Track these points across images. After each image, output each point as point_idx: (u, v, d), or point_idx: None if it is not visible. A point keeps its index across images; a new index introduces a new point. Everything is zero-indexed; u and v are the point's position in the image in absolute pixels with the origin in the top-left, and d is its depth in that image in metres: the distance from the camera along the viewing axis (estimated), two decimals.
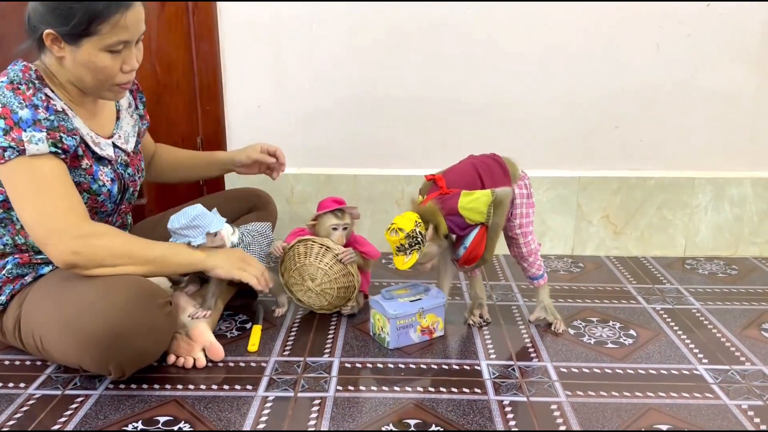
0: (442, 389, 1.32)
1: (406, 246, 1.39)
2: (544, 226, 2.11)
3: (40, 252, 1.38)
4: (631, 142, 2.07)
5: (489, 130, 2.05)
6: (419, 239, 1.39)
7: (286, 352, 1.47)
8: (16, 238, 1.37)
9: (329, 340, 1.53)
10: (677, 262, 2.09)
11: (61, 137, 1.27)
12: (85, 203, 1.36)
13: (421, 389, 1.32)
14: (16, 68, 1.29)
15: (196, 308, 1.49)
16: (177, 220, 1.43)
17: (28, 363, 1.42)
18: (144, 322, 1.25)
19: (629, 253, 2.14)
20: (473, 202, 1.43)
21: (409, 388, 1.32)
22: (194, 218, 1.42)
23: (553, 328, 1.59)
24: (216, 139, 2.07)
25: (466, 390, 1.32)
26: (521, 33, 1.97)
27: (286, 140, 2.07)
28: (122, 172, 1.45)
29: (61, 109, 1.30)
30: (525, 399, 1.28)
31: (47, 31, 1.25)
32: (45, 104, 1.27)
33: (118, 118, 1.49)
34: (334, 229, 1.62)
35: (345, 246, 1.63)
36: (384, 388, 1.33)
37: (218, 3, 1.96)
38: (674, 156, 2.08)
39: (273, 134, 2.06)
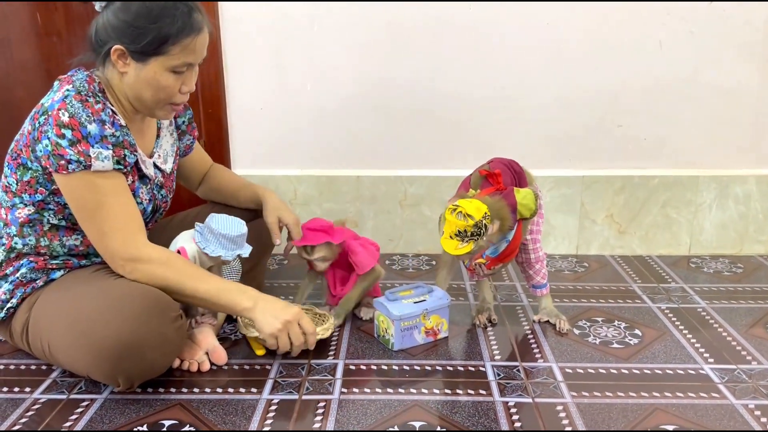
0: (447, 391, 1.32)
1: (468, 234, 1.34)
2: (548, 226, 2.10)
3: (56, 257, 1.38)
4: (634, 141, 2.06)
5: (492, 130, 2.04)
6: (482, 231, 1.34)
7: (290, 355, 1.47)
8: (41, 239, 1.37)
9: (333, 343, 1.53)
10: (682, 260, 2.08)
11: (124, 154, 1.30)
12: None
13: (425, 391, 1.32)
14: (81, 78, 1.30)
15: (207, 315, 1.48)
16: (224, 225, 1.44)
17: (33, 367, 1.42)
18: (156, 334, 1.24)
19: (634, 252, 2.13)
20: (525, 198, 1.41)
21: (413, 390, 1.32)
22: (239, 236, 1.45)
23: (557, 328, 1.58)
24: (218, 142, 2.06)
25: (471, 391, 1.31)
26: (524, 32, 1.96)
27: (289, 142, 2.08)
28: (156, 192, 1.47)
29: (124, 124, 1.32)
30: (530, 400, 1.28)
31: (116, 46, 1.26)
32: (111, 120, 1.28)
33: (158, 136, 1.50)
34: (308, 261, 1.60)
35: (338, 256, 1.60)
36: (389, 390, 1.32)
37: (219, 3, 1.95)
38: (678, 154, 2.08)
39: (275, 136, 2.06)
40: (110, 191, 1.29)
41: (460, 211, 1.33)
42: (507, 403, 1.27)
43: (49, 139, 1.23)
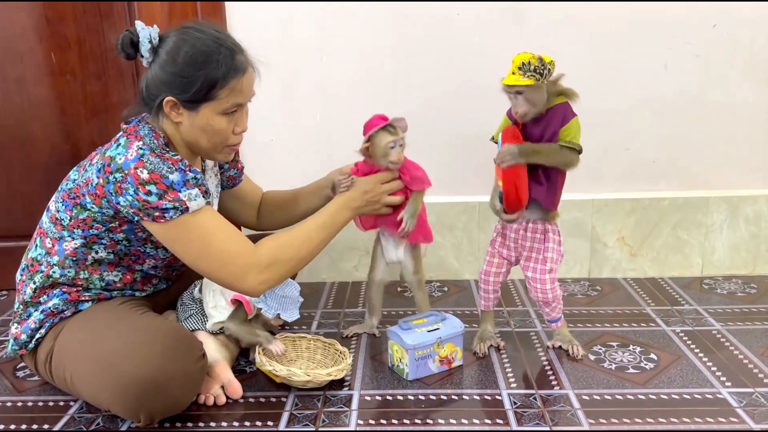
0: (464, 421, 1.31)
1: (531, 68, 1.37)
2: None
3: (89, 289, 1.41)
4: (643, 163, 2.07)
5: None
6: (545, 71, 1.38)
7: (307, 387, 1.47)
8: (82, 272, 1.40)
9: (348, 373, 1.53)
10: (695, 282, 2.08)
11: (206, 191, 1.34)
12: (163, 259, 1.47)
13: (442, 421, 1.31)
14: (148, 133, 1.33)
15: (268, 340, 1.51)
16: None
17: (51, 404, 1.43)
18: (180, 372, 1.26)
19: (646, 274, 2.13)
20: (579, 128, 1.46)
21: (430, 421, 1.32)
22: (288, 297, 1.55)
23: (571, 354, 1.58)
24: None
25: (488, 421, 1.31)
26: None
27: (300, 172, 2.09)
28: None
29: (199, 170, 1.36)
30: (548, 429, 1.27)
31: (168, 98, 1.30)
32: (187, 168, 1.32)
33: None
34: (392, 147, 1.54)
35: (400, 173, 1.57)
36: (405, 421, 1.32)
37: None
38: (687, 175, 2.08)
39: (287, 167, 2.09)
40: (212, 223, 1.33)
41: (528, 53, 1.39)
42: None
43: (134, 196, 1.26)
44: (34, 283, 1.40)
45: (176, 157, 1.31)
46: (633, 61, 1.99)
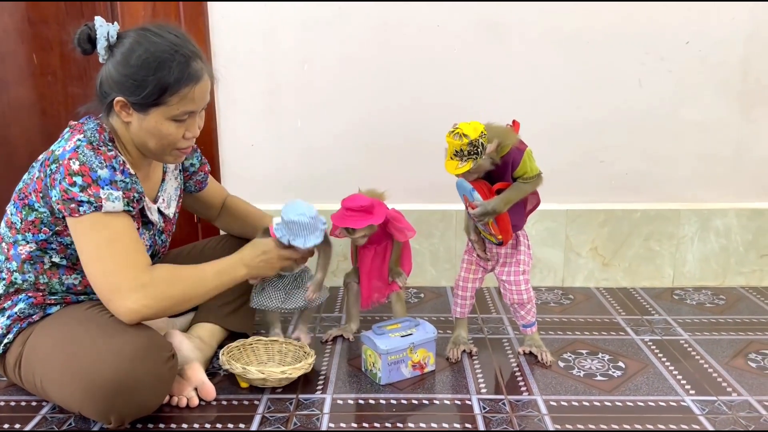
0: (433, 425, 1.34)
1: (465, 153, 1.40)
2: (534, 259, 2.13)
3: (54, 293, 1.41)
4: (616, 176, 2.11)
5: None
6: (479, 150, 1.40)
7: (279, 390, 1.48)
8: (41, 276, 1.39)
9: (321, 377, 1.55)
10: (666, 292, 2.12)
11: (134, 197, 1.33)
12: None
13: (412, 425, 1.34)
14: (92, 127, 1.34)
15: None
16: (285, 211, 1.51)
17: (23, 404, 1.44)
18: (150, 374, 1.26)
19: (618, 284, 2.17)
20: (532, 159, 1.49)
21: (400, 425, 1.34)
22: (290, 222, 1.50)
23: (540, 360, 1.61)
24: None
25: (457, 425, 1.33)
26: (509, 72, 2.03)
27: (280, 178, 2.12)
28: (157, 237, 1.50)
29: (133, 173, 1.35)
30: None
31: (118, 98, 1.31)
32: (121, 168, 1.31)
33: (162, 180, 1.53)
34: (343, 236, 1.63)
35: (383, 223, 1.61)
36: (376, 424, 1.34)
37: (212, 42, 2.00)
38: (659, 188, 2.13)
39: (267, 172, 2.11)
40: (120, 231, 1.31)
41: (458, 132, 1.40)
42: None
43: (59, 186, 1.26)
44: None
45: (112, 153, 1.31)
46: (608, 76, 2.03)
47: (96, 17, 1.32)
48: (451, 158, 1.42)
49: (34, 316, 1.39)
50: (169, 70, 1.29)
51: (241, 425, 1.34)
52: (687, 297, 2.07)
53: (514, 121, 1.51)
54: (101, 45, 1.31)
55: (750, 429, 1.31)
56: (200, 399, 1.43)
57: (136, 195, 1.34)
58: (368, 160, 2.10)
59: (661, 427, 1.32)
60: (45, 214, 1.34)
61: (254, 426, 1.33)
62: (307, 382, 1.51)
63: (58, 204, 1.29)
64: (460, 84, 2.04)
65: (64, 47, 2.00)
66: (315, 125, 2.07)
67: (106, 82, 1.32)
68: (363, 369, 1.58)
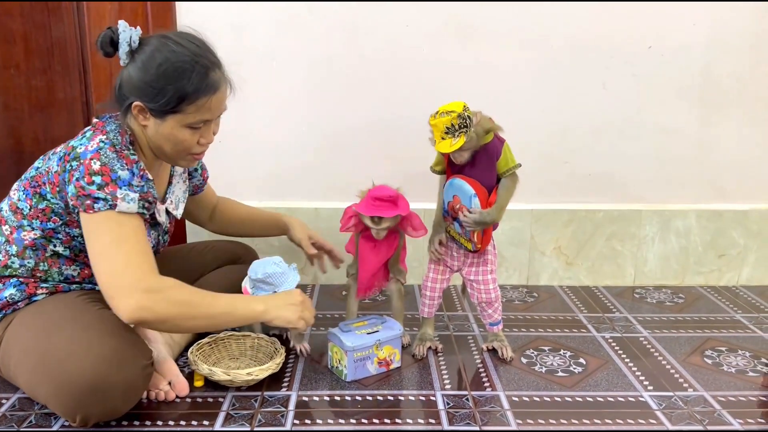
0: (398, 420, 1.35)
1: (456, 127, 1.40)
2: (500, 258, 2.17)
3: (47, 281, 1.41)
4: (580, 177, 2.16)
5: None
6: (468, 122, 1.40)
7: (244, 387, 1.48)
8: (41, 264, 1.39)
9: (287, 374, 1.55)
10: (627, 291, 2.17)
11: (149, 201, 1.34)
12: None
13: (377, 421, 1.35)
14: (114, 129, 1.34)
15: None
16: (254, 270, 1.51)
17: None
18: (124, 380, 1.25)
19: (581, 282, 2.21)
20: (510, 150, 1.51)
21: (365, 421, 1.35)
22: (267, 276, 1.49)
23: (500, 355, 1.64)
24: None
25: (421, 421, 1.35)
26: (476, 74, 2.05)
27: (247, 174, 2.11)
28: (161, 238, 1.52)
29: (151, 178, 1.36)
30: (477, 429, 1.32)
31: (137, 102, 1.32)
32: (141, 173, 1.32)
33: (170, 183, 1.55)
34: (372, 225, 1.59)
35: (398, 225, 1.62)
36: (341, 420, 1.35)
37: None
38: (622, 189, 2.18)
39: (234, 168, 2.10)
40: (131, 232, 1.30)
41: (442, 111, 1.42)
42: None
43: (77, 182, 1.27)
44: None
45: (134, 158, 1.33)
46: (573, 79, 2.07)
47: (120, 21, 1.32)
48: (443, 138, 1.42)
49: (20, 303, 1.38)
50: (188, 80, 1.30)
51: (205, 422, 1.33)
52: (647, 295, 2.12)
53: None
54: (123, 50, 1.32)
55: (704, 424, 1.36)
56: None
57: (150, 199, 1.35)
58: (337, 156, 2.10)
59: (620, 422, 1.36)
60: (58, 206, 1.35)
61: (218, 423, 1.33)
62: (272, 379, 1.52)
63: (72, 200, 1.29)
64: (428, 84, 2.05)
65: (29, 40, 1.97)
66: (283, 121, 2.07)
67: (126, 85, 1.33)
68: (329, 366, 1.58)
